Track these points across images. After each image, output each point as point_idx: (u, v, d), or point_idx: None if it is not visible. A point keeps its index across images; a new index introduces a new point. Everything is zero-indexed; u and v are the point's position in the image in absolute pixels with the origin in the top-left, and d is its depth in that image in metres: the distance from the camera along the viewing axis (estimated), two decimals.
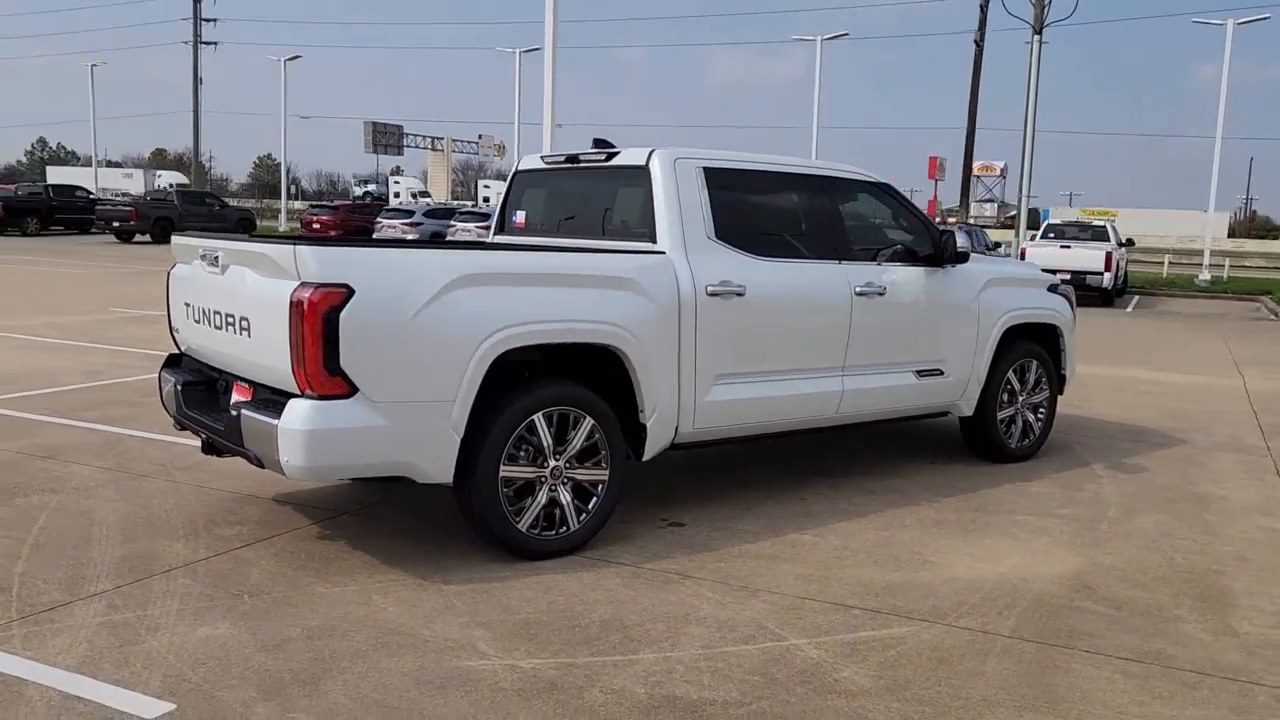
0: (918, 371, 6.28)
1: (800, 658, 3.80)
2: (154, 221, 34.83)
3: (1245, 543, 5.38)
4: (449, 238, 29.59)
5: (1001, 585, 4.64)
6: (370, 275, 4.23)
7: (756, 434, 5.76)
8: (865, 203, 6.39)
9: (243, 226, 38.49)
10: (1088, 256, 20.21)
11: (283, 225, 45.77)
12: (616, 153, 5.63)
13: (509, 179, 6.47)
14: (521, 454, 4.67)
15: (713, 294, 5.22)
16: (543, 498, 4.74)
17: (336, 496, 5.63)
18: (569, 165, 5.94)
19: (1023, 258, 17.90)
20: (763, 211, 5.80)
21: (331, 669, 3.59)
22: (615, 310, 4.87)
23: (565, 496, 4.81)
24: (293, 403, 4.18)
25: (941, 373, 6.41)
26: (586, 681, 3.56)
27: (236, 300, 4.59)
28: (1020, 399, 6.97)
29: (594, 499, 4.92)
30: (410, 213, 32.73)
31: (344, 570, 4.56)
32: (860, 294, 5.86)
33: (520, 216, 6.31)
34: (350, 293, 4.15)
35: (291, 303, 4.11)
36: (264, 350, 4.35)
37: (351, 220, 33.15)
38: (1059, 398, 7.36)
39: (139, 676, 3.48)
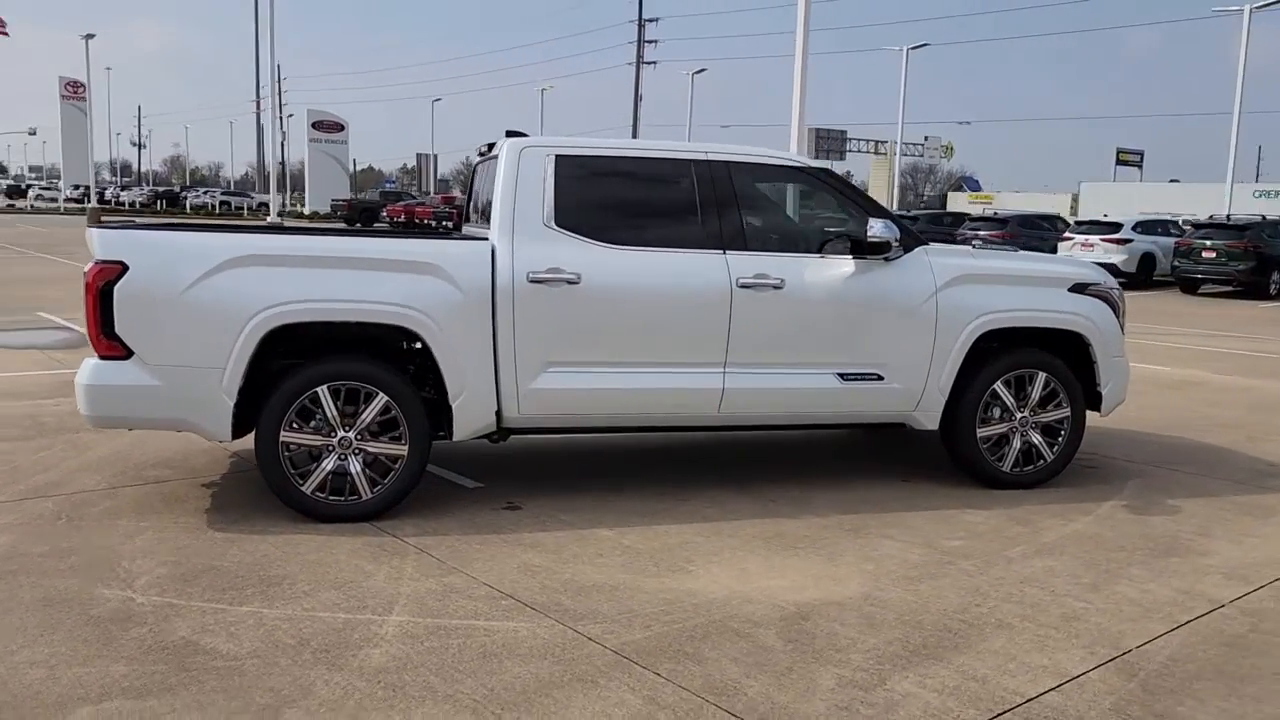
0: (842, 374, 5.69)
1: (359, 633, 3.85)
2: None
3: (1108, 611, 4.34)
4: None
5: (714, 602, 4.23)
6: (144, 254, 4.88)
7: (612, 426, 5.63)
8: (790, 190, 5.91)
9: None
10: None
11: None
12: (493, 144, 5.79)
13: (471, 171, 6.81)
14: (308, 423, 5.06)
15: (536, 281, 5.22)
16: (329, 465, 5.09)
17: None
18: (485, 157, 6.17)
19: None
20: (624, 199, 5.62)
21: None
22: (411, 293, 5.08)
23: (355, 466, 5.12)
24: (84, 361, 4.95)
25: (880, 377, 5.74)
26: (174, 615, 3.90)
27: None
28: (1018, 416, 5.99)
29: (392, 472, 5.18)
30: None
31: (124, 513, 5.25)
32: (745, 286, 5.47)
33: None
34: (125, 268, 4.82)
35: (84, 277, 4.89)
36: None
37: (1019, 236, 31.49)
38: (1099, 418, 6.20)
39: None
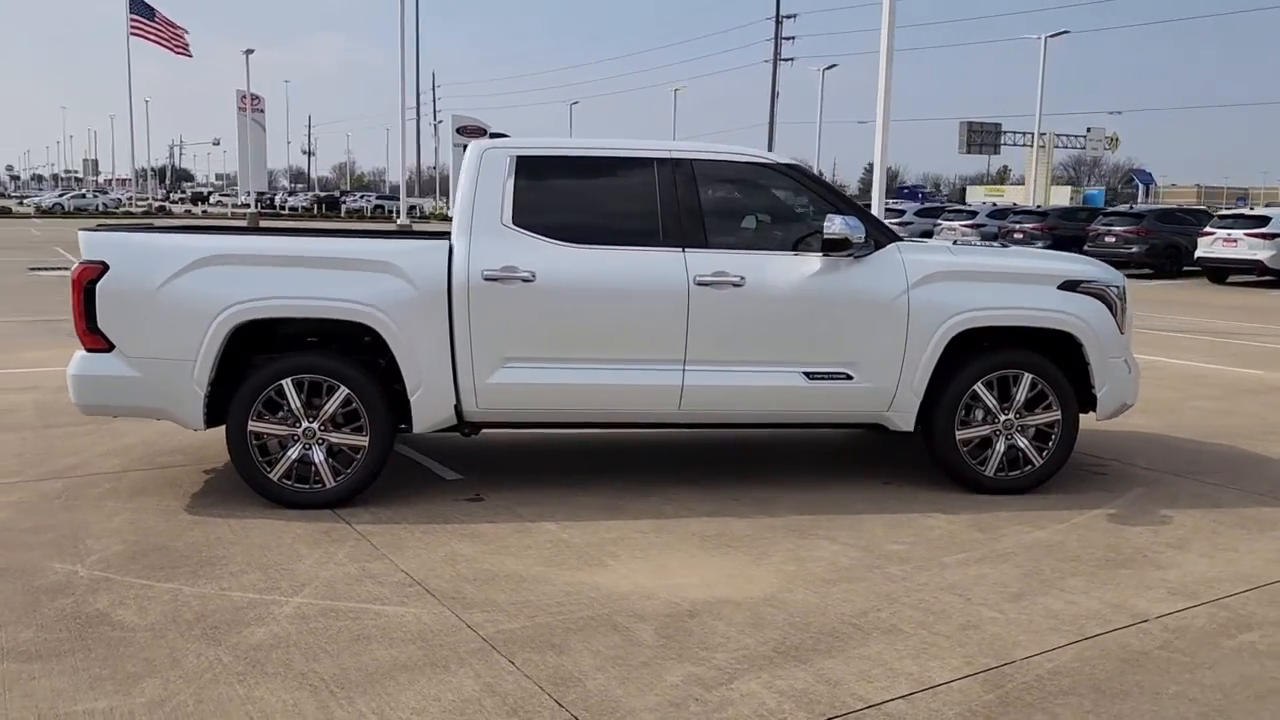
0: (808, 373, 5.62)
1: (256, 612, 4.07)
2: None
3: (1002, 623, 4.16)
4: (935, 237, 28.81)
5: (613, 596, 4.27)
6: (123, 254, 5.26)
7: (572, 422, 5.72)
8: (754, 186, 5.86)
9: None
10: None
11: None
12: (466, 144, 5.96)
13: None
14: (275, 414, 5.35)
15: (491, 279, 5.37)
16: (293, 454, 5.36)
17: None
18: None
19: None
20: (583, 198, 5.69)
21: None
22: (369, 291, 5.30)
23: (319, 455, 5.38)
24: (74, 354, 5.37)
25: (849, 377, 5.64)
26: (103, 589, 4.22)
27: None
28: (1002, 419, 5.77)
29: (354, 461, 5.41)
30: (974, 213, 31.90)
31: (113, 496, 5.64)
32: (704, 283, 5.47)
33: None
34: (106, 267, 5.21)
35: (70, 275, 5.31)
36: None
37: (1059, 228, 30.48)
38: (1095, 422, 5.92)
39: None
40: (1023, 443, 5.81)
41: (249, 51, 48.21)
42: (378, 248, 5.45)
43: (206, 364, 5.24)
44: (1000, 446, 5.80)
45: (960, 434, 5.77)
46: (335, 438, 5.39)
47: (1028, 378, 5.75)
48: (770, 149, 63.23)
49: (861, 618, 4.09)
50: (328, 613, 4.05)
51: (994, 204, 45.38)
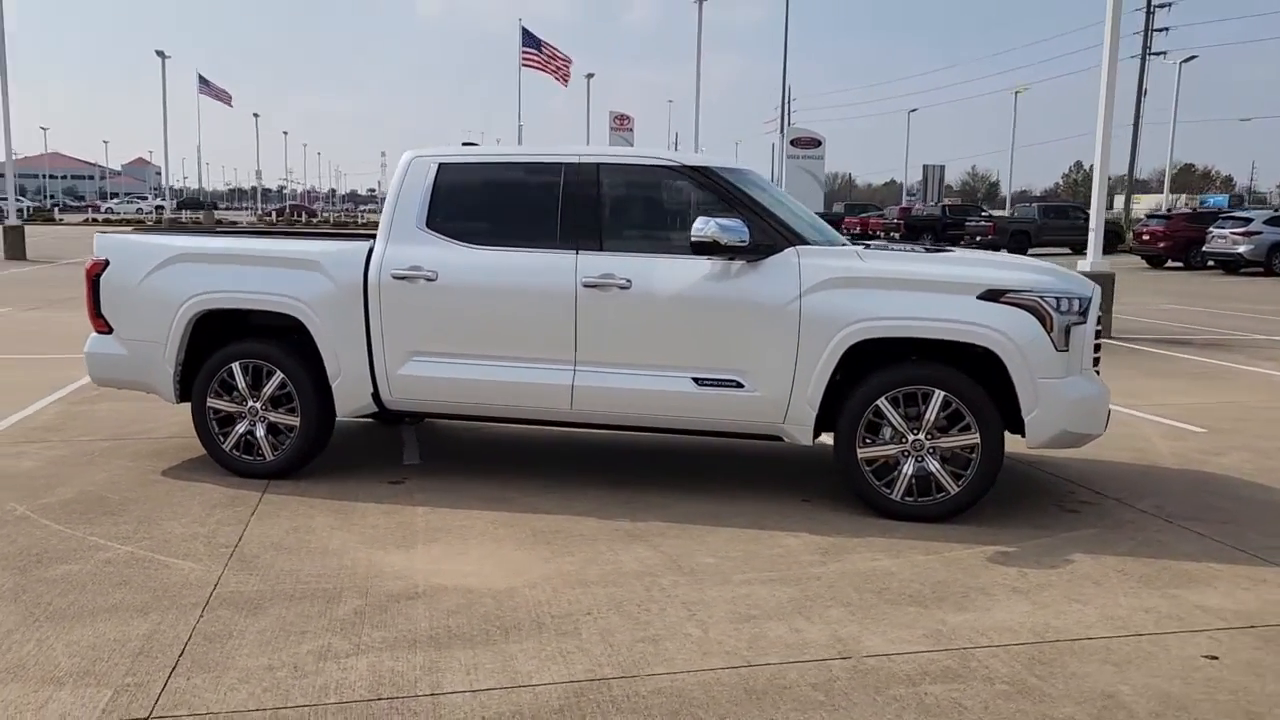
0: (697, 379, 5.52)
1: (78, 553, 4.78)
2: (1010, 236, 36.48)
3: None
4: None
5: (374, 574, 4.55)
6: (119, 251, 6.26)
7: (475, 415, 6.01)
8: (659, 189, 5.80)
9: (1105, 239, 37.94)
10: None
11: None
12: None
13: None
14: (230, 394, 6.13)
15: (398, 278, 5.81)
16: (240, 429, 6.12)
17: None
18: None
19: None
20: (493, 203, 5.90)
21: None
22: (297, 286, 5.93)
23: (260, 431, 6.09)
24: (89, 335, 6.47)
25: (740, 385, 5.47)
26: (21, 525, 5.16)
27: None
28: (910, 439, 5.32)
29: (289, 439, 6.08)
30: (1248, 219, 28.31)
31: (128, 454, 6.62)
32: (591, 285, 5.57)
33: None
34: (106, 263, 6.25)
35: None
36: None
37: (1184, 230, 29.54)
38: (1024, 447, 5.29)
39: None
40: (934, 466, 5.31)
41: (589, 76, 51.52)
42: (306, 248, 6.06)
43: (173, 347, 6.10)
44: (908, 469, 5.34)
45: (863, 453, 5.39)
46: (274, 417, 6.06)
47: (939, 395, 5.25)
48: (1134, 151, 57.73)
49: (557, 618, 4.08)
50: (130, 561, 4.68)
51: None
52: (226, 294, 6.03)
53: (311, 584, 4.43)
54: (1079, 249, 38.24)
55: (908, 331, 5.26)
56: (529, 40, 59.71)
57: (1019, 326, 5.16)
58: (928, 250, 5.81)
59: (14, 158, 28.94)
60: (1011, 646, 3.86)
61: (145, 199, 77.30)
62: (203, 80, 65.13)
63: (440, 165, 5.94)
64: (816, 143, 62.51)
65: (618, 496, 5.77)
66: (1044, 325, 5.16)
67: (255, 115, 75.96)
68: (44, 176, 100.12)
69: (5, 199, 28.69)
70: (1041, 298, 5.19)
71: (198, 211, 67.27)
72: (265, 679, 3.53)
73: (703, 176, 5.69)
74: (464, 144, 6.30)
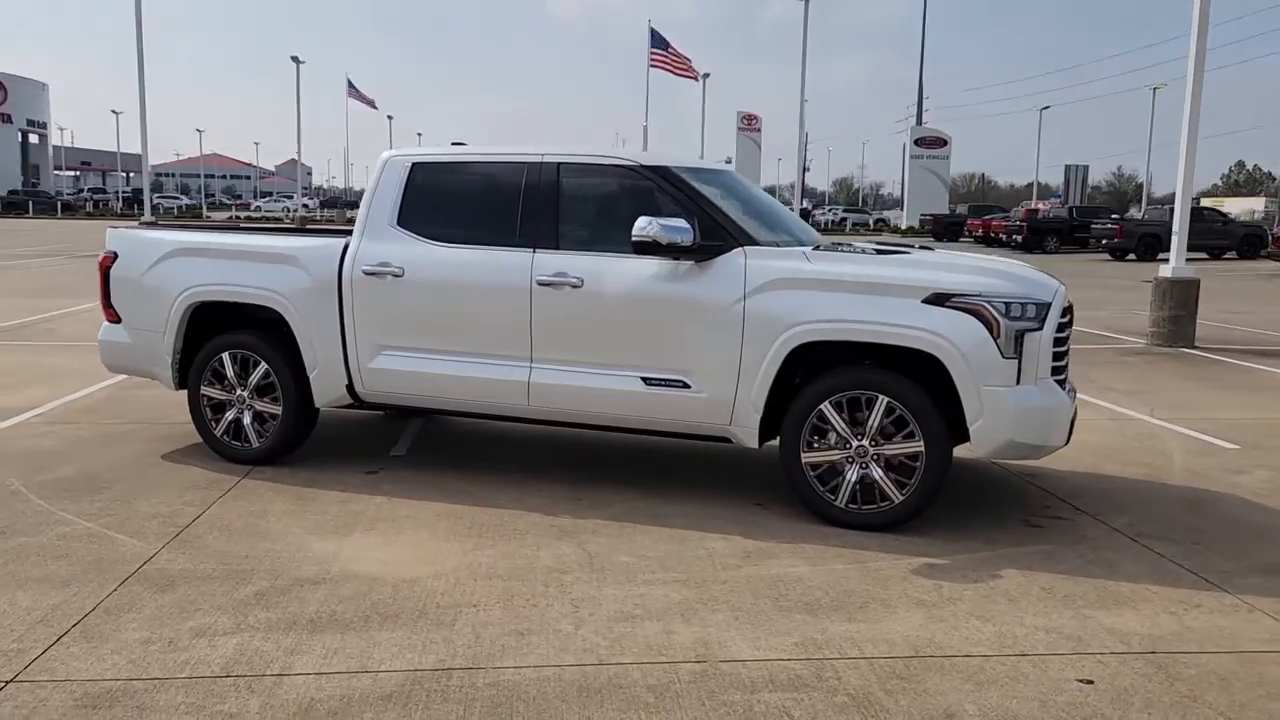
0: (646, 379, 5.53)
1: (50, 524, 5.12)
2: (1139, 240, 34.88)
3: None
4: None
5: (303, 558, 4.72)
6: (127, 246, 6.64)
7: (441, 408, 6.15)
8: (618, 188, 5.80)
9: (1247, 244, 36.11)
10: None
11: None
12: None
13: None
14: (221, 382, 6.44)
15: (368, 273, 6.00)
16: (230, 416, 6.42)
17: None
18: None
19: None
20: (458, 201, 6.00)
21: None
22: (278, 281, 6.19)
23: (246, 419, 6.38)
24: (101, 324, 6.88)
25: (686, 385, 5.46)
26: (10, 499, 5.57)
27: None
28: (854, 445, 5.21)
29: (273, 426, 6.35)
30: None
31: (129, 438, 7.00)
32: (545, 284, 5.64)
33: None
34: (116, 256, 6.65)
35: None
36: None
37: None
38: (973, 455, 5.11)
39: None
40: (878, 474, 5.18)
41: (705, 75, 51.50)
42: (286, 243, 6.31)
43: (171, 336, 6.45)
44: (851, 476, 5.23)
45: (807, 457, 5.30)
46: (259, 405, 6.34)
47: (883, 401, 5.12)
48: None
49: (442, 608, 4.17)
50: (84, 536, 4.98)
51: None
52: (216, 287, 6.33)
53: (233, 565, 4.62)
54: (1217, 253, 36.23)
55: (848, 335, 5.15)
56: (656, 41, 60.06)
57: (963, 331, 4.98)
58: (880, 251, 5.65)
59: (176, 157, 30.92)
60: (879, 659, 3.75)
61: (290, 198, 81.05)
62: (351, 85, 67.93)
63: (414, 165, 6.10)
64: (942, 142, 61.27)
65: (573, 493, 5.82)
66: (990, 331, 4.97)
67: (389, 118, 78.73)
68: (203, 176, 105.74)
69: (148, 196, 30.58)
70: (989, 302, 5.00)
71: (332, 210, 70.19)
72: (136, 652, 3.73)
73: (659, 177, 5.68)
74: (453, 143, 6.45)
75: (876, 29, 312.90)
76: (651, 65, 59.78)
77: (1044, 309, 5.11)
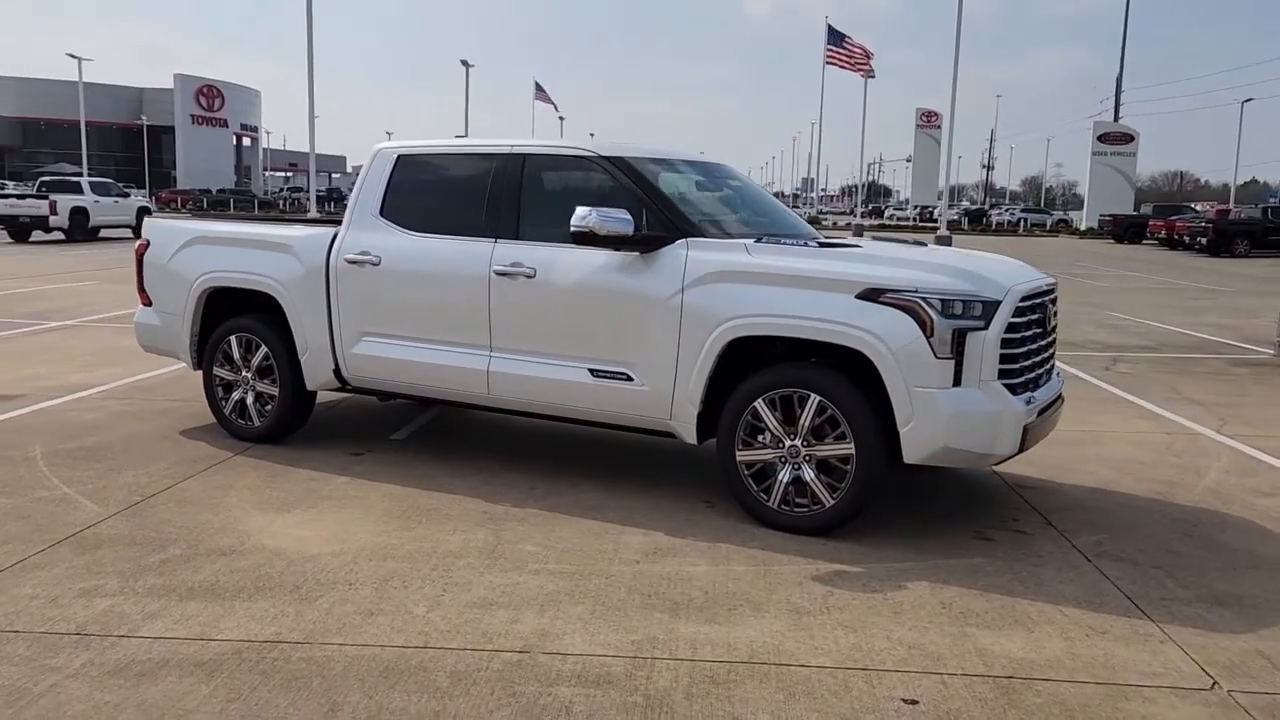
0: (592, 370, 5.51)
1: (36, 488, 5.55)
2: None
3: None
4: None
5: (238, 531, 4.94)
6: (158, 234, 7.10)
7: (415, 394, 6.28)
8: (580, 179, 5.77)
9: None
10: None
11: None
12: None
13: None
14: (231, 364, 6.81)
15: (350, 262, 6.21)
16: (235, 396, 6.78)
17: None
18: None
19: None
20: (434, 192, 6.11)
21: None
22: (274, 267, 6.49)
23: (249, 399, 6.72)
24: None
25: (629, 378, 5.40)
26: (20, 464, 6.08)
27: None
28: (786, 444, 5.03)
29: (271, 407, 6.67)
30: None
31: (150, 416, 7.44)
32: (502, 273, 5.70)
33: None
34: (149, 244, 7.13)
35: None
36: None
37: None
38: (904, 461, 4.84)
39: None
40: (809, 475, 4.98)
41: (865, 77, 50.16)
42: (282, 231, 6.59)
43: (189, 319, 6.86)
44: (784, 476, 5.04)
45: (741, 455, 5.15)
46: (260, 386, 6.66)
47: (814, 400, 4.92)
48: None
49: (320, 585, 4.28)
50: (55, 500, 5.37)
51: None
52: (225, 274, 6.69)
53: (164, 534, 4.89)
54: None
55: (777, 330, 4.97)
56: (832, 37, 59.15)
57: (893, 329, 4.72)
58: (823, 244, 5.39)
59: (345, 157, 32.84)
60: (705, 663, 3.62)
61: None
62: (538, 87, 70.12)
63: (399, 157, 6.27)
64: (1128, 138, 57.82)
65: (534, 483, 5.84)
66: (923, 329, 4.69)
67: (561, 119, 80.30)
68: None
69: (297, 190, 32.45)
70: (924, 299, 4.72)
71: None
72: (16, 605, 4.01)
73: (613, 166, 5.63)
74: (456, 137, 6.58)
75: (1075, 23, 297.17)
76: (827, 62, 58.92)
77: (991, 307, 4.78)
